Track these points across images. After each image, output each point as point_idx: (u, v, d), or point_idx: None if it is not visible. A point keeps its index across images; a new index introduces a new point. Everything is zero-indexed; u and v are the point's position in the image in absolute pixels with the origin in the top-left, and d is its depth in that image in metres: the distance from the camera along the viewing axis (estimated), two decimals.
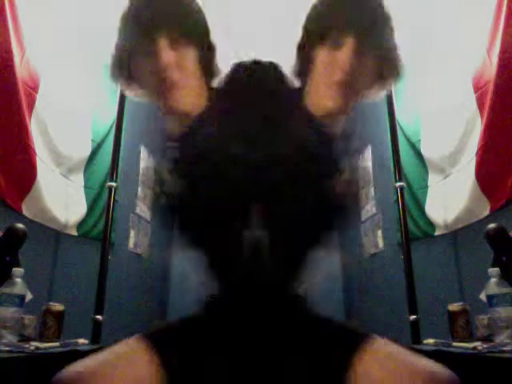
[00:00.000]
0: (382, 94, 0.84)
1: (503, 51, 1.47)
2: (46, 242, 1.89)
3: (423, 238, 2.12)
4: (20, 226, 1.46)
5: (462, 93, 1.79)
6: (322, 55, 0.74)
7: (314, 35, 0.77)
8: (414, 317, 1.92)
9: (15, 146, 1.57)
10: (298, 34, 0.86)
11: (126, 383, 0.59)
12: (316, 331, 0.67)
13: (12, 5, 1.49)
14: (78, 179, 2.07)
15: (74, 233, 2.04)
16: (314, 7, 0.80)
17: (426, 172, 2.10)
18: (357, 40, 0.74)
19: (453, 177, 1.90)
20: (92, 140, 2.15)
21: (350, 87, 0.76)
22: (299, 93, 0.78)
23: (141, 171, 2.77)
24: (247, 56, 0.83)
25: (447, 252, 2.00)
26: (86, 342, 1.69)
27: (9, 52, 1.46)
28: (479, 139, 1.66)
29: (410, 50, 2.24)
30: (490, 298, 1.35)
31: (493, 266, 1.40)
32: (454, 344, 1.45)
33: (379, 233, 2.58)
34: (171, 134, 0.79)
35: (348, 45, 0.74)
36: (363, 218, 2.92)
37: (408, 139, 2.22)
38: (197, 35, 0.84)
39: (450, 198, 1.91)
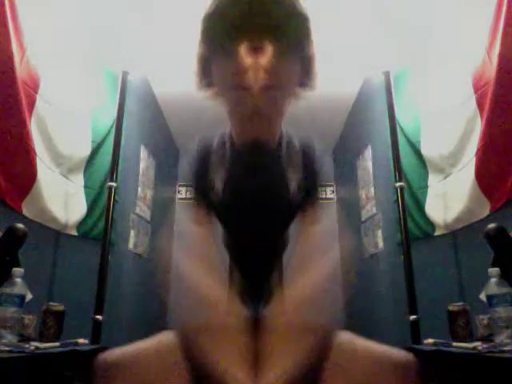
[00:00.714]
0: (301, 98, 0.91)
1: (503, 51, 1.47)
2: (46, 241, 1.89)
3: (423, 238, 2.12)
4: (20, 226, 1.46)
5: (462, 93, 1.79)
6: (245, 61, 0.74)
7: (228, 42, 0.75)
8: (414, 317, 1.92)
9: (16, 146, 1.57)
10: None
11: (158, 369, 0.72)
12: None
13: (12, 5, 1.49)
14: (78, 179, 2.07)
15: (74, 233, 2.04)
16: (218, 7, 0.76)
17: (426, 172, 2.10)
18: (276, 44, 0.74)
19: (453, 177, 1.90)
20: (92, 140, 2.15)
21: (278, 90, 0.80)
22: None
23: (141, 171, 2.77)
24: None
25: (447, 252, 2.00)
26: (86, 341, 1.69)
27: (9, 52, 1.46)
28: (479, 139, 1.66)
29: (411, 49, 2.25)
30: (489, 298, 1.35)
31: (493, 266, 1.40)
32: (454, 344, 1.45)
33: (379, 233, 2.58)
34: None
35: (268, 49, 0.73)
36: (363, 218, 2.92)
37: (408, 139, 2.22)
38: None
39: (450, 197, 1.91)
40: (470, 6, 1.76)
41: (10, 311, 1.30)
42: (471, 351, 1.25)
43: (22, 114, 1.57)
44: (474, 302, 1.49)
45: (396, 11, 2.15)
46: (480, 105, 1.67)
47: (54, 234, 1.93)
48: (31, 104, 1.66)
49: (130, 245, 2.58)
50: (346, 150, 3.58)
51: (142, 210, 2.80)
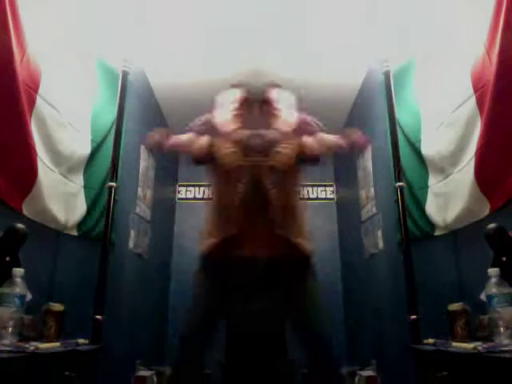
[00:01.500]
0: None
1: (503, 51, 1.47)
2: (46, 241, 1.89)
3: (423, 238, 2.12)
4: (20, 226, 1.46)
5: (462, 93, 1.79)
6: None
7: None
8: (414, 317, 1.92)
9: (16, 146, 1.57)
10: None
11: None
12: None
13: (12, 4, 1.48)
14: (78, 179, 2.07)
15: (74, 233, 2.04)
16: None
17: (426, 172, 2.10)
18: None
19: (453, 177, 1.90)
20: (92, 140, 2.15)
21: None
22: None
23: (141, 171, 2.77)
24: None
25: (447, 252, 2.00)
26: (86, 342, 1.69)
27: (9, 52, 1.46)
28: (478, 139, 1.66)
29: (411, 49, 2.25)
30: (489, 297, 1.36)
31: (493, 266, 1.41)
32: (454, 344, 1.45)
33: (379, 233, 2.58)
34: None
35: None
36: (363, 218, 2.92)
37: (408, 139, 2.22)
38: None
39: (450, 197, 1.91)
40: (470, 6, 1.75)
41: (10, 311, 1.30)
42: (471, 351, 1.25)
43: (22, 114, 1.57)
44: (474, 302, 1.50)
45: (396, 11, 2.15)
46: (480, 104, 1.67)
47: (54, 234, 1.93)
48: (31, 104, 1.66)
49: (130, 245, 2.57)
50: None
51: (142, 210, 2.80)
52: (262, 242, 1.50)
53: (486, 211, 1.66)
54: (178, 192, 4.04)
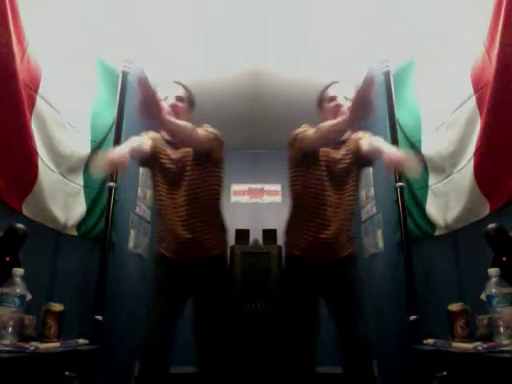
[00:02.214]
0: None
1: (502, 51, 1.47)
2: (46, 242, 1.89)
3: (423, 238, 2.12)
4: (20, 226, 1.46)
5: (462, 93, 1.78)
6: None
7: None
8: (414, 317, 1.92)
9: (17, 146, 1.57)
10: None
11: None
12: None
13: (12, 4, 1.48)
14: (78, 179, 2.07)
15: (74, 233, 2.04)
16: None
17: (426, 172, 2.10)
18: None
19: (453, 177, 1.90)
20: (92, 140, 2.15)
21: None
22: None
23: (141, 171, 2.77)
24: None
25: (447, 252, 2.00)
26: (86, 342, 1.69)
27: (10, 52, 1.46)
28: (478, 139, 1.66)
29: (411, 49, 2.25)
30: (489, 297, 1.35)
31: (493, 266, 1.40)
32: (454, 344, 1.45)
33: (379, 233, 2.58)
34: None
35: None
36: (363, 218, 2.92)
37: (408, 139, 2.22)
38: None
39: (450, 197, 1.91)
40: (470, 6, 1.75)
41: (10, 311, 1.30)
42: (471, 351, 1.25)
43: (23, 114, 1.57)
44: (474, 302, 1.49)
45: (396, 11, 2.15)
46: (480, 105, 1.67)
47: (53, 234, 1.93)
48: (31, 104, 1.66)
49: (130, 245, 2.57)
50: None
51: (142, 210, 2.80)
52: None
53: (486, 211, 1.66)
54: None
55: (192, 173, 1.68)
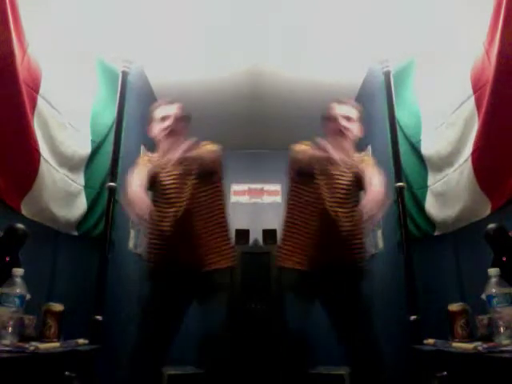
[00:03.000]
0: None
1: (502, 51, 1.47)
2: (46, 242, 1.89)
3: (423, 238, 2.12)
4: (20, 226, 1.46)
5: (462, 93, 1.78)
6: None
7: None
8: (414, 317, 1.92)
9: (17, 145, 1.57)
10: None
11: None
12: None
13: (13, 4, 1.48)
14: (80, 179, 2.07)
15: (75, 233, 2.04)
16: None
17: (426, 172, 2.10)
18: None
19: (452, 176, 1.90)
20: (92, 139, 2.15)
21: None
22: None
23: None
24: None
25: (447, 252, 2.00)
26: (86, 341, 1.69)
27: (10, 52, 1.46)
28: (477, 138, 1.66)
29: (411, 49, 2.25)
30: (489, 297, 1.35)
31: (493, 266, 1.40)
32: (454, 344, 1.45)
33: (379, 233, 2.58)
34: None
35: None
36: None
37: (408, 139, 2.22)
38: None
39: (450, 197, 1.91)
40: (470, 6, 1.75)
41: (10, 311, 1.30)
42: (471, 351, 1.25)
43: (24, 114, 1.57)
44: (474, 302, 1.49)
45: (396, 11, 2.15)
46: (478, 105, 1.67)
47: (53, 234, 1.92)
48: (32, 104, 1.66)
49: (130, 245, 2.57)
50: None
51: None
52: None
53: (488, 210, 1.66)
54: None
55: (195, 189, 1.71)
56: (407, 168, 2.18)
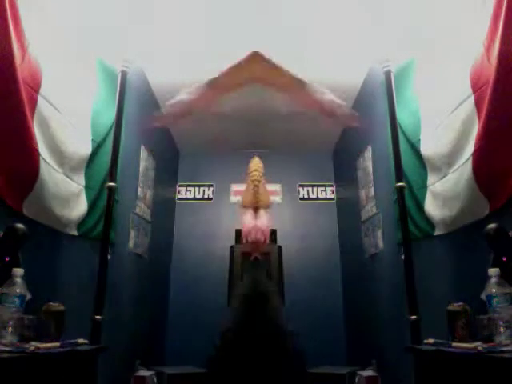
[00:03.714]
0: None
1: (502, 52, 1.47)
2: (46, 241, 1.89)
3: (423, 238, 2.12)
4: (20, 225, 1.46)
5: (462, 93, 1.78)
6: None
7: None
8: (414, 317, 1.92)
9: (18, 146, 1.56)
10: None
11: None
12: None
13: (13, 4, 1.48)
14: (80, 179, 2.07)
15: (75, 233, 2.04)
16: None
17: (426, 172, 2.10)
18: None
19: (451, 177, 1.90)
20: (92, 139, 2.15)
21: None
22: None
23: (141, 171, 2.77)
24: None
25: (447, 252, 2.00)
26: (86, 341, 1.69)
27: (10, 52, 1.46)
28: (477, 139, 1.66)
29: (412, 49, 2.25)
30: (489, 297, 1.35)
31: (493, 266, 1.41)
32: (454, 344, 1.45)
33: (379, 233, 2.58)
34: None
35: None
36: (363, 218, 2.92)
37: (408, 139, 2.22)
38: None
39: (450, 197, 1.91)
40: (470, 6, 1.75)
41: (10, 311, 1.30)
42: (471, 351, 1.25)
43: (23, 114, 1.57)
44: (474, 302, 1.50)
45: (397, 11, 2.15)
46: (478, 105, 1.67)
47: (54, 234, 1.93)
48: (33, 104, 1.65)
49: (130, 245, 2.58)
50: (346, 150, 3.59)
51: (142, 210, 2.81)
52: None
53: (486, 211, 1.66)
54: (178, 192, 4.04)
55: None
56: (407, 168, 2.18)
